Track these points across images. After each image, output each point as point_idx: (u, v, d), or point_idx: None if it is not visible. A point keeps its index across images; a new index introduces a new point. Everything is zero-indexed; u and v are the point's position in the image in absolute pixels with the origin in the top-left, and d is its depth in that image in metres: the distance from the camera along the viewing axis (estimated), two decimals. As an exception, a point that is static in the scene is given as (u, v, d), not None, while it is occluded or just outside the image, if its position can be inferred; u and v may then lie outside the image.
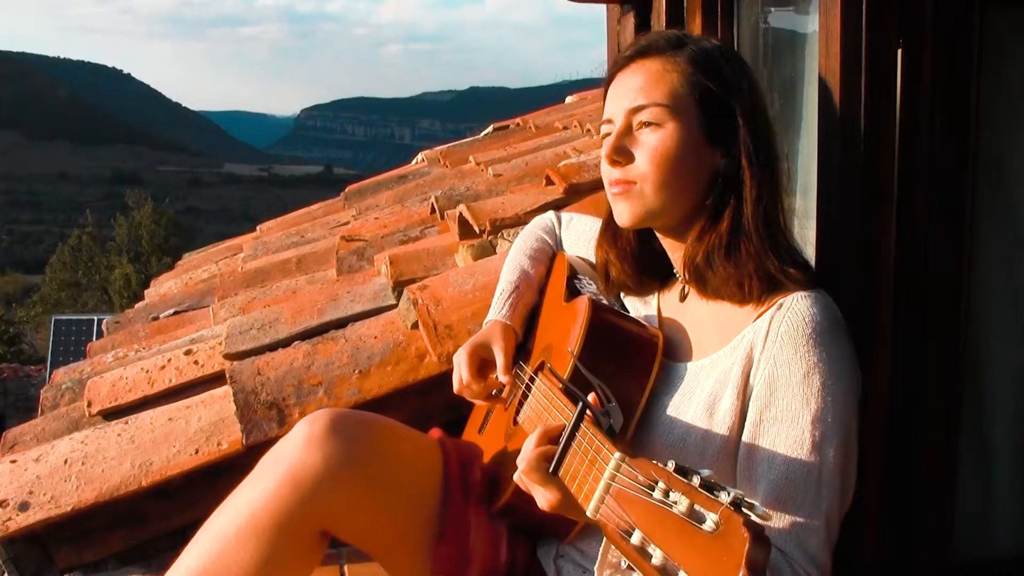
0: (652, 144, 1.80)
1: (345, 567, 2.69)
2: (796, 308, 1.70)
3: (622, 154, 1.83)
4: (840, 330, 1.73)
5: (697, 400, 1.78)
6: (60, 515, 2.61)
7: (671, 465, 1.26)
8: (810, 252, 2.12)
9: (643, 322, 1.96)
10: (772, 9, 2.70)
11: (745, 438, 1.72)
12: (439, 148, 6.84)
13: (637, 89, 1.84)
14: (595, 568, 1.58)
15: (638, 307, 2.04)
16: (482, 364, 2.17)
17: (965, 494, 2.25)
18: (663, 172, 1.80)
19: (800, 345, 1.68)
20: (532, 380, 1.99)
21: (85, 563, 2.72)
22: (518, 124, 7.09)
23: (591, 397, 1.63)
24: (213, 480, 2.68)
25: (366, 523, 1.92)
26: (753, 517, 1.13)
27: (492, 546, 1.96)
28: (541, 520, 1.81)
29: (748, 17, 2.74)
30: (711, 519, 1.15)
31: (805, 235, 2.23)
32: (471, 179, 5.00)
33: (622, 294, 2.12)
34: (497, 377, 2.13)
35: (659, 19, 2.91)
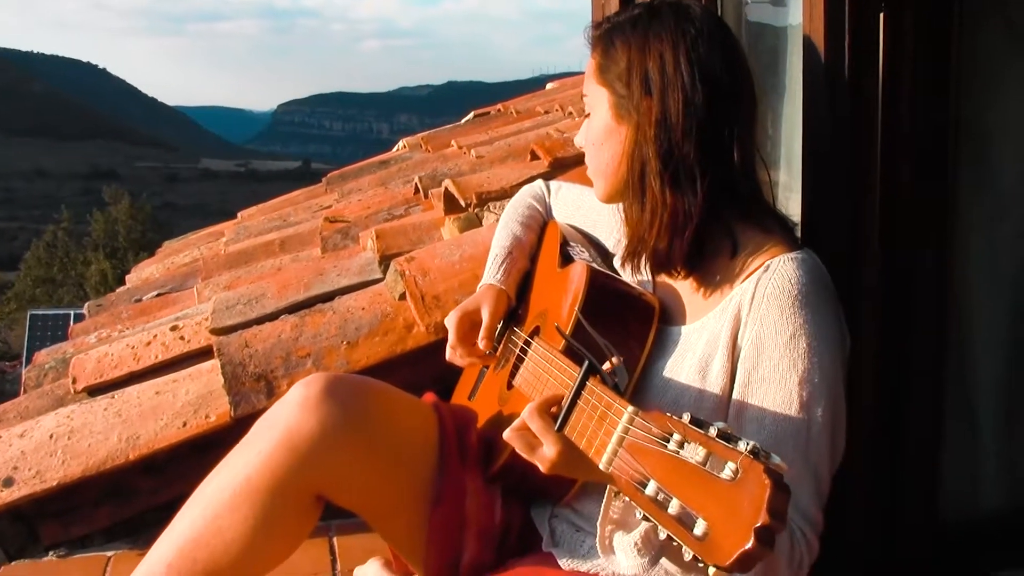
0: (587, 133, 1.92)
1: (335, 539, 2.68)
2: (782, 270, 1.71)
3: (580, 140, 1.97)
4: (826, 291, 1.73)
5: (690, 363, 1.78)
6: (45, 490, 2.60)
7: (686, 417, 1.27)
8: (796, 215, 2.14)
9: (639, 287, 1.95)
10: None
11: (734, 399, 1.72)
12: (420, 135, 6.81)
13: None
14: (597, 524, 1.58)
15: (631, 274, 2.03)
16: (472, 328, 2.16)
17: (950, 456, 2.28)
18: (590, 158, 1.93)
19: (786, 307, 1.68)
20: (528, 344, 1.99)
21: (71, 539, 2.70)
22: (499, 110, 7.08)
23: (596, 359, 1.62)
24: (201, 454, 2.67)
25: (362, 487, 1.90)
26: (771, 466, 1.14)
27: (487, 509, 1.96)
28: (538, 482, 1.80)
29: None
30: (729, 468, 1.16)
31: (789, 208, 2.23)
32: (454, 161, 5.00)
33: (616, 260, 2.12)
34: (479, 339, 2.12)
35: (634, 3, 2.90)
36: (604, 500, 1.57)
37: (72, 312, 19.98)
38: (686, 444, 1.23)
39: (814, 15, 2.05)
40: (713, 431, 1.21)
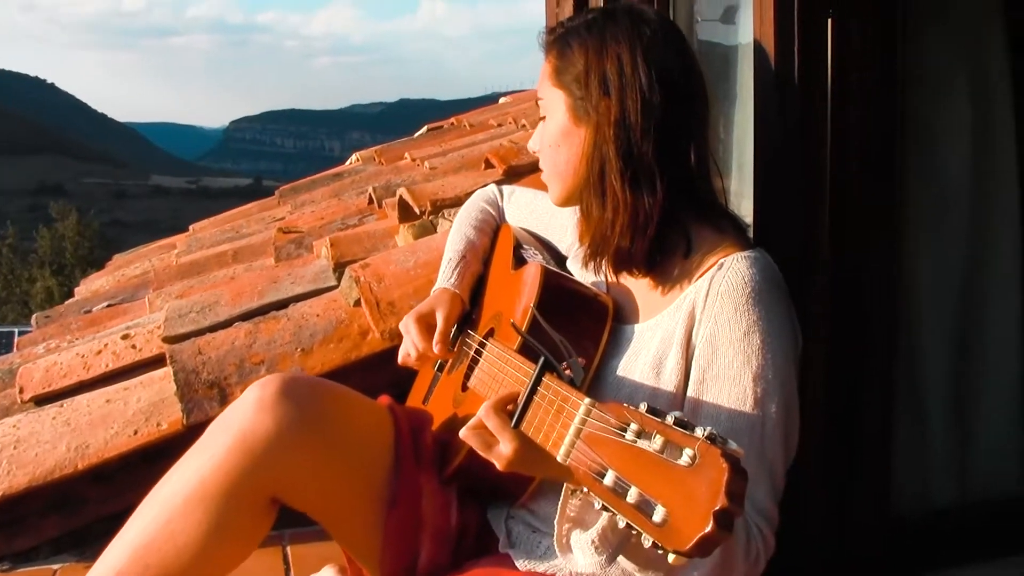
0: (542, 136, 1.94)
1: (288, 547, 2.66)
2: (736, 268, 1.73)
3: (535, 144, 1.99)
4: (779, 290, 1.76)
5: (644, 360, 1.79)
6: (-10, 499, 2.55)
7: (643, 407, 1.27)
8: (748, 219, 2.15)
9: (593, 287, 1.96)
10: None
11: (689, 396, 1.74)
12: (374, 148, 6.81)
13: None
14: (555, 522, 1.57)
15: (585, 275, 2.03)
16: (427, 331, 2.15)
17: (902, 453, 2.32)
18: (546, 161, 1.95)
19: (740, 304, 1.70)
20: (483, 346, 1.99)
21: (16, 552, 2.66)
22: (452, 123, 7.09)
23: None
24: (152, 463, 2.64)
25: (317, 489, 1.89)
26: (728, 451, 1.14)
27: (443, 511, 1.95)
28: (494, 482, 1.81)
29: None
30: (687, 454, 1.17)
31: (740, 212, 2.25)
32: (407, 173, 5.00)
33: (568, 262, 2.12)
34: (434, 343, 2.11)
35: (593, 3, 2.93)
36: (561, 498, 1.57)
37: (16, 330, 19.74)
38: (643, 433, 1.24)
39: (764, 22, 2.09)
40: (670, 419, 1.22)
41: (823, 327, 2.11)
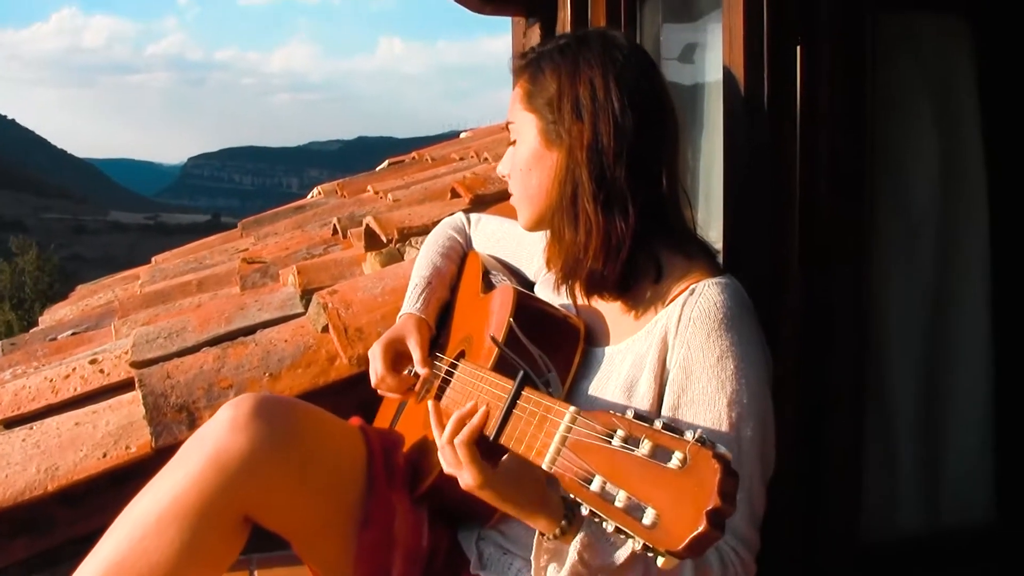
0: (513, 160, 1.96)
1: (255, 572, 2.67)
2: (707, 294, 1.75)
3: (504, 168, 2.01)
4: (750, 315, 1.79)
5: (615, 383, 1.82)
6: (-42, 520, 2.56)
7: (630, 413, 1.30)
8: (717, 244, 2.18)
9: (563, 310, 1.99)
10: (672, 24, 2.80)
11: None
12: (336, 181, 6.82)
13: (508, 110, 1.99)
14: (531, 557, 1.61)
15: (552, 297, 2.07)
16: (396, 357, 2.18)
17: (870, 475, 2.33)
18: (516, 185, 1.98)
19: (712, 330, 1.73)
20: (454, 367, 2.01)
21: (-16, 573, 2.67)
22: (414, 158, 7.11)
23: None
24: (120, 485, 2.64)
25: (290, 507, 1.90)
26: (718, 452, 1.17)
27: (415, 531, 1.97)
28: (465, 503, 1.81)
29: (650, 29, 2.84)
30: (676, 457, 1.19)
31: (708, 237, 2.30)
32: (371, 205, 5.00)
33: (536, 287, 2.17)
34: (413, 369, 2.14)
35: (564, 30, 2.98)
36: (537, 533, 1.61)
37: (-24, 363, 19.46)
38: (631, 439, 1.26)
39: (733, 48, 2.13)
40: (658, 424, 1.25)
41: (792, 350, 2.13)
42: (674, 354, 1.76)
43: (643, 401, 1.78)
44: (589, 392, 1.85)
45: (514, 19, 3.52)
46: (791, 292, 2.15)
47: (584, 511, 1.30)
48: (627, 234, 1.80)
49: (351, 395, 2.70)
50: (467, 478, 1.63)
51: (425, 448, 2.02)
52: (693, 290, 1.78)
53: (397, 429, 2.24)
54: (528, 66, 1.94)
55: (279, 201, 6.91)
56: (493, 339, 1.84)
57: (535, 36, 3.27)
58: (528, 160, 1.91)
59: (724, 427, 1.70)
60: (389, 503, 1.96)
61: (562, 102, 1.84)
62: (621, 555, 1.54)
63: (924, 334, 2.47)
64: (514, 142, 1.97)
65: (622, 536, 1.23)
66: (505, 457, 1.61)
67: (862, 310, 2.25)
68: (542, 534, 1.60)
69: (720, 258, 2.10)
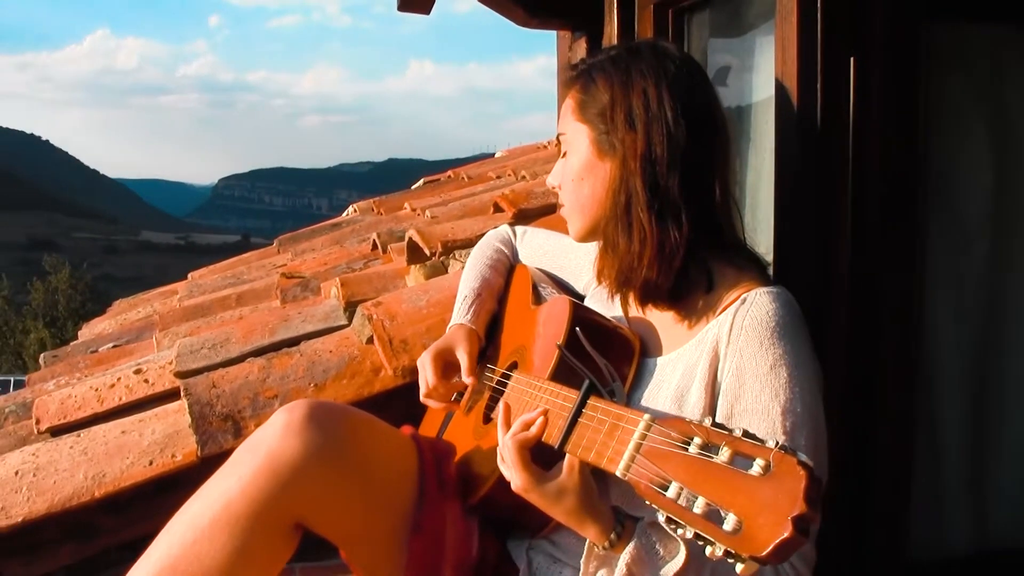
0: (564, 171, 1.96)
1: (299, 582, 2.68)
2: (759, 303, 1.75)
3: (555, 179, 2.01)
4: (802, 324, 1.77)
5: (666, 394, 1.81)
6: (10, 526, 2.56)
7: (708, 421, 1.30)
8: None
9: (617, 322, 1.99)
10: (720, 39, 2.81)
11: None
12: (372, 199, 6.84)
13: (560, 118, 2.00)
14: (582, 561, 1.62)
15: (602, 310, 2.06)
16: (446, 367, 2.19)
17: (918, 495, 2.30)
18: (569, 195, 1.97)
19: (765, 338, 1.72)
20: (506, 378, 2.01)
21: (34, 577, 2.69)
22: (449, 176, 7.11)
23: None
24: (165, 494, 2.66)
25: (342, 513, 1.90)
26: (802, 459, 1.17)
27: (465, 541, 1.95)
28: (518, 512, 1.83)
29: (697, 43, 2.84)
30: (758, 464, 1.19)
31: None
32: (408, 222, 5.01)
33: (586, 300, 2.17)
34: (461, 378, 2.15)
35: (610, 44, 2.97)
36: (588, 540, 1.62)
37: (12, 379, 19.66)
38: (709, 446, 1.26)
39: (786, 58, 2.12)
40: (738, 432, 1.25)
41: (840, 364, 2.11)
42: (726, 363, 1.75)
43: (694, 411, 1.77)
44: (641, 403, 1.84)
45: (559, 33, 3.52)
46: (840, 306, 2.14)
47: (660, 518, 1.30)
48: (680, 243, 1.79)
49: (395, 407, 2.71)
50: (517, 481, 1.65)
51: (476, 458, 2.02)
52: (745, 299, 1.77)
53: (444, 439, 2.24)
54: (579, 77, 1.95)
55: (309, 222, 6.95)
56: (560, 347, 1.83)
57: (581, 50, 3.28)
58: (580, 170, 1.92)
59: (778, 436, 1.68)
60: (440, 512, 1.95)
61: (615, 112, 1.84)
62: (669, 571, 1.53)
63: (975, 350, 2.45)
64: (564, 154, 1.98)
65: (700, 543, 1.22)
66: (560, 463, 1.62)
67: (911, 325, 2.24)
68: (593, 543, 1.61)
69: (770, 270, 2.09)
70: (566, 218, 2.01)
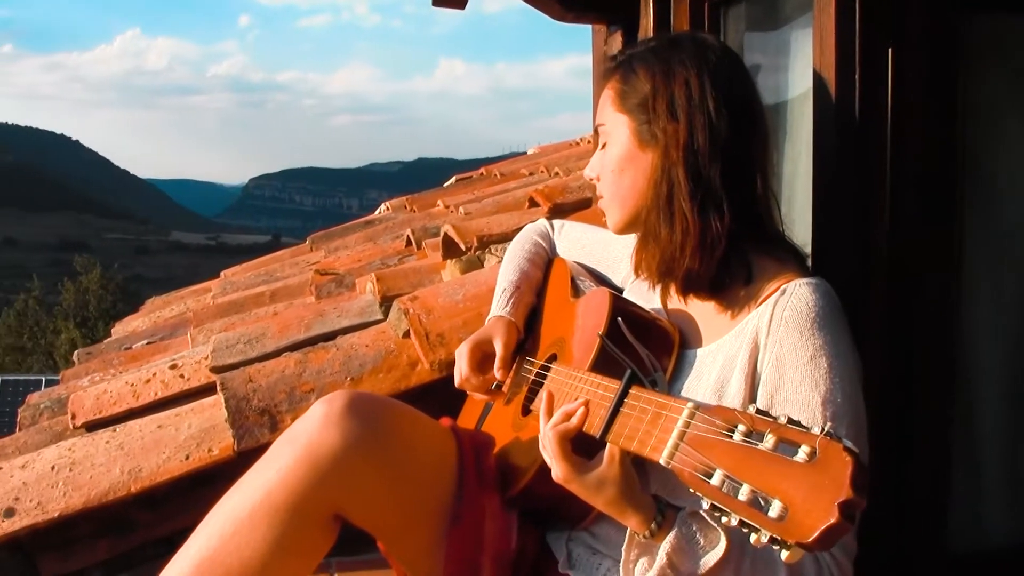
0: (603, 162, 1.95)
1: (335, 575, 2.67)
2: (799, 293, 1.74)
3: (593, 171, 1.99)
4: (841, 316, 1.76)
5: (706, 384, 1.80)
6: (47, 521, 2.58)
7: (752, 408, 1.29)
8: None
9: (656, 314, 1.98)
10: (756, 32, 2.78)
11: None
12: (404, 197, 6.84)
13: (598, 109, 1.99)
14: (623, 548, 1.60)
15: (641, 303, 2.05)
16: (484, 358, 2.18)
17: (956, 487, 2.29)
18: (608, 186, 1.95)
19: (805, 329, 1.71)
20: (546, 370, 2.00)
21: (70, 572, 2.68)
22: (482, 174, 7.10)
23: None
24: (201, 489, 2.66)
25: (381, 504, 1.89)
26: (848, 445, 1.16)
27: (504, 533, 1.94)
28: (557, 504, 1.83)
29: (733, 36, 2.82)
30: (803, 451, 1.18)
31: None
32: (442, 218, 5.00)
33: (624, 294, 2.15)
34: (496, 369, 2.15)
35: (646, 37, 2.95)
36: (629, 529, 1.61)
37: (44, 378, 19.80)
38: (754, 433, 1.25)
39: (824, 49, 2.11)
40: (783, 419, 1.24)
41: (877, 358, 2.08)
42: (766, 354, 1.74)
43: (734, 402, 1.75)
44: (681, 394, 1.82)
45: (594, 27, 3.50)
46: (877, 299, 2.13)
47: (705, 505, 1.28)
48: (722, 233, 1.78)
49: (432, 400, 2.69)
50: (558, 471, 1.64)
51: (515, 450, 2.01)
52: (784, 290, 1.76)
53: (483, 431, 2.23)
54: (619, 67, 1.93)
55: (339, 222, 6.94)
56: (601, 337, 1.83)
57: (616, 44, 3.26)
58: (621, 161, 1.90)
59: (818, 426, 1.67)
60: (479, 504, 1.94)
61: (656, 102, 1.83)
62: (709, 560, 1.52)
63: (1013, 343, 2.43)
64: (603, 145, 1.96)
65: (744, 530, 1.21)
66: (600, 453, 1.61)
67: (949, 319, 2.23)
68: (634, 532, 1.60)
69: (808, 262, 2.07)
70: (604, 209, 2.00)
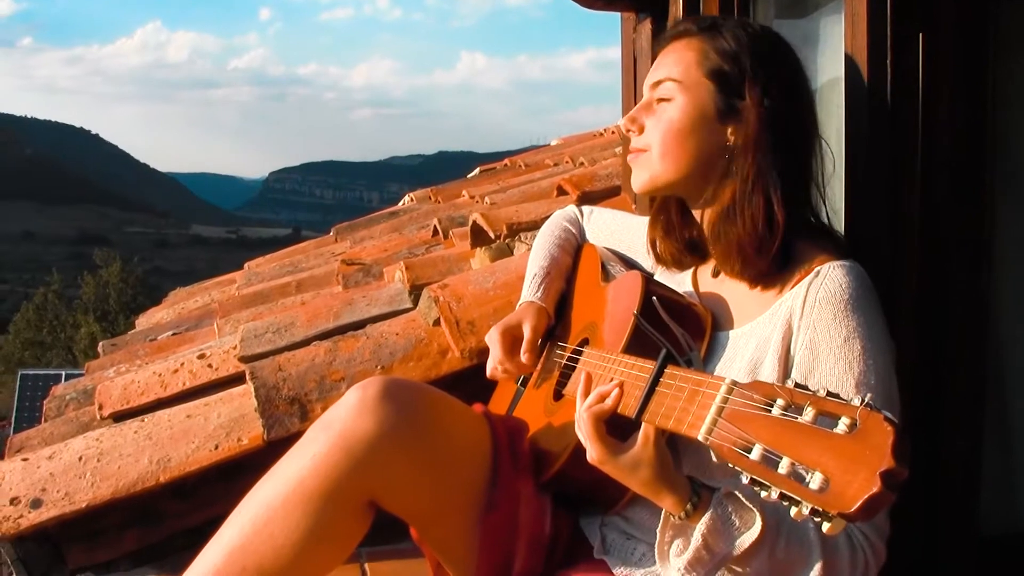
0: (661, 115, 1.90)
1: (366, 565, 2.65)
2: (832, 276, 1.73)
3: (635, 123, 1.95)
4: (874, 298, 1.76)
5: (739, 366, 1.79)
6: (74, 511, 2.56)
7: (790, 383, 1.28)
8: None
9: (688, 298, 1.96)
10: (785, 19, 2.76)
11: None
12: (429, 188, 6.82)
13: (659, 67, 1.95)
14: (657, 530, 1.59)
15: (672, 285, 2.04)
16: (514, 343, 2.16)
17: (988, 469, 2.28)
18: (666, 141, 1.89)
19: (839, 311, 1.70)
20: (577, 354, 1.99)
21: (97, 563, 2.67)
22: (506, 165, 7.09)
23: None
24: (230, 478, 2.64)
25: (416, 491, 1.87)
26: (888, 416, 1.15)
27: (538, 518, 1.93)
28: (591, 488, 1.81)
29: (763, 22, 2.79)
30: (843, 423, 1.17)
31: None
32: (466, 209, 4.99)
33: (659, 272, 2.13)
34: (522, 352, 2.13)
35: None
36: (664, 510, 1.59)
37: (64, 372, 19.88)
38: (792, 407, 1.24)
39: (856, 34, 2.10)
40: (822, 392, 1.23)
41: (910, 342, 2.09)
42: (800, 336, 1.73)
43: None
44: None
45: (623, 15, 3.46)
46: (910, 282, 2.13)
47: (744, 479, 1.27)
48: (783, 217, 1.79)
49: (463, 388, 2.67)
50: (593, 453, 1.63)
51: (549, 435, 1.99)
52: (818, 272, 1.75)
53: (514, 417, 2.20)
54: (707, 31, 1.91)
55: (360, 215, 6.92)
56: (636, 315, 1.81)
57: (646, 31, 3.22)
58: (693, 122, 1.87)
59: None
60: (514, 489, 1.92)
61: (751, 86, 1.83)
62: (745, 541, 1.52)
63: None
64: (659, 100, 1.92)
65: (785, 503, 1.20)
66: (635, 435, 1.60)
67: (982, 303, 2.22)
68: (669, 513, 1.59)
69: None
70: (642, 165, 1.95)
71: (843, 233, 2.12)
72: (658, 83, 1.93)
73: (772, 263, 1.81)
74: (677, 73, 1.90)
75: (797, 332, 1.74)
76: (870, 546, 1.66)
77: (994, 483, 2.33)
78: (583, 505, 1.99)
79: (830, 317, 1.70)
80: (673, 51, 1.93)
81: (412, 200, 6.86)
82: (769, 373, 1.74)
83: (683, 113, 1.88)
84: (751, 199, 1.80)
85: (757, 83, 1.82)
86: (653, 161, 1.92)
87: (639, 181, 1.95)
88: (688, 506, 1.56)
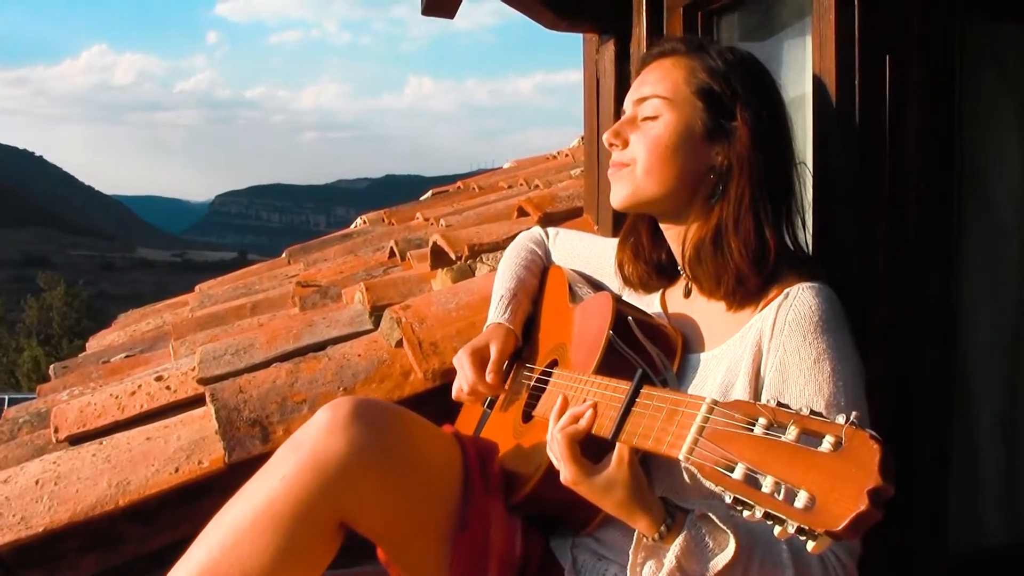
0: (647, 131, 1.90)
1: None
2: (802, 298, 1.74)
3: (619, 136, 1.94)
4: (843, 319, 1.76)
5: (710, 389, 1.78)
6: (31, 536, 2.51)
7: (772, 402, 1.28)
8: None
9: (659, 319, 1.96)
10: (748, 42, 2.78)
11: None
12: (382, 211, 6.80)
13: (645, 83, 1.94)
14: (630, 551, 1.59)
15: (641, 307, 2.03)
16: (482, 365, 2.15)
17: (956, 487, 2.30)
18: (652, 157, 1.89)
19: (808, 333, 1.70)
20: (547, 375, 1.98)
21: (55, 588, 2.62)
22: (459, 187, 7.08)
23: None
24: (191, 501, 2.61)
25: (387, 512, 1.85)
26: (873, 434, 1.16)
27: (509, 539, 1.92)
28: (561, 510, 1.82)
29: (726, 44, 2.82)
30: (828, 441, 1.17)
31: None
32: (422, 231, 4.97)
33: (626, 294, 2.13)
34: (486, 373, 2.12)
35: (639, 47, 2.94)
36: (636, 532, 1.59)
37: (6, 397, 19.64)
38: (775, 426, 1.24)
39: (824, 56, 2.12)
40: (805, 411, 1.22)
41: (879, 361, 2.09)
42: (769, 358, 1.73)
43: None
44: None
45: (585, 37, 3.48)
46: (879, 303, 2.13)
47: (728, 499, 1.26)
48: (773, 239, 1.81)
49: (426, 410, 2.65)
50: (567, 474, 1.62)
51: (519, 456, 1.98)
52: (788, 294, 1.75)
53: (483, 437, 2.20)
54: (695, 50, 1.93)
55: (307, 238, 6.88)
56: (610, 334, 1.81)
57: (609, 53, 3.23)
58: (679, 142, 1.87)
59: None
60: (485, 509, 1.91)
61: (743, 109, 1.84)
62: (719, 563, 1.52)
63: (1012, 345, 2.45)
64: (652, 118, 1.91)
65: (769, 522, 1.19)
66: (608, 456, 1.60)
67: (949, 322, 2.25)
68: (642, 534, 1.58)
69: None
70: (621, 179, 1.95)
71: (812, 251, 2.13)
72: (643, 99, 1.93)
73: (759, 285, 1.81)
74: (664, 90, 1.90)
75: (767, 354, 1.74)
76: (842, 566, 1.65)
77: (962, 501, 2.35)
78: (554, 526, 1.98)
79: (800, 339, 1.71)
80: (659, 68, 1.94)
81: (365, 223, 6.83)
82: (740, 396, 1.73)
83: (670, 130, 1.88)
84: (742, 222, 1.80)
85: (749, 105, 1.83)
86: (637, 176, 1.92)
87: (620, 195, 1.94)
88: (662, 528, 1.56)
